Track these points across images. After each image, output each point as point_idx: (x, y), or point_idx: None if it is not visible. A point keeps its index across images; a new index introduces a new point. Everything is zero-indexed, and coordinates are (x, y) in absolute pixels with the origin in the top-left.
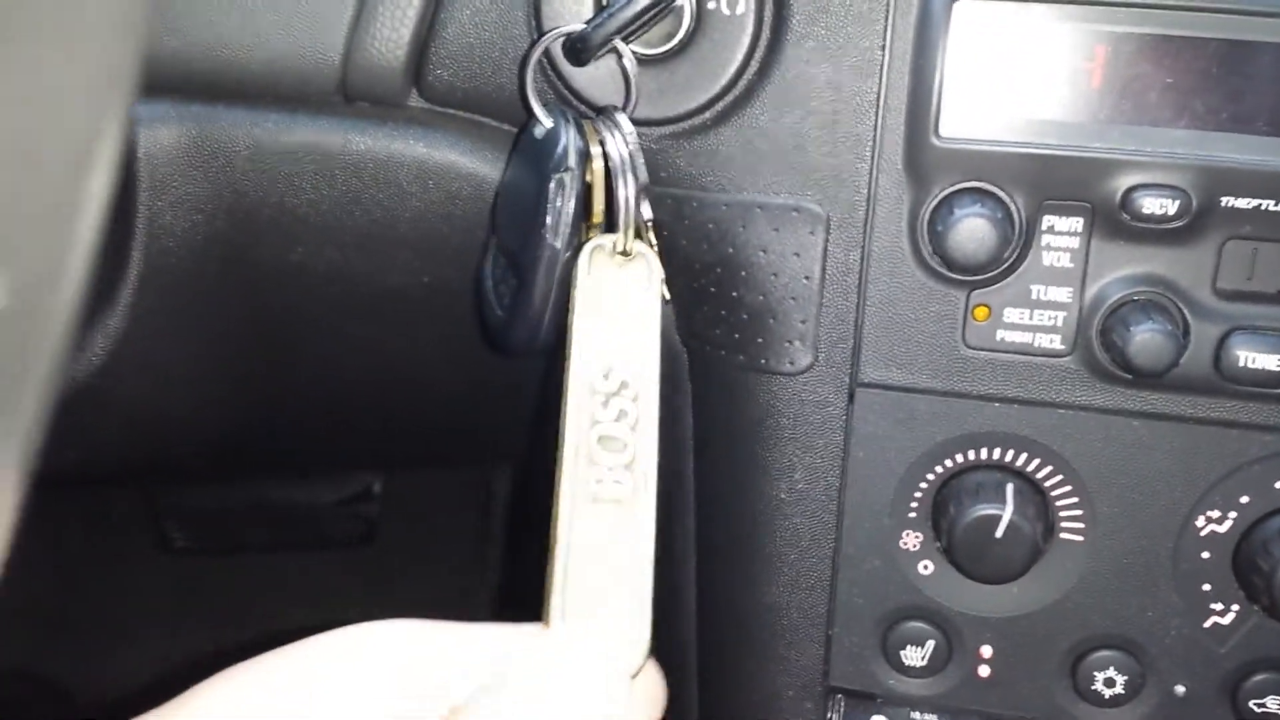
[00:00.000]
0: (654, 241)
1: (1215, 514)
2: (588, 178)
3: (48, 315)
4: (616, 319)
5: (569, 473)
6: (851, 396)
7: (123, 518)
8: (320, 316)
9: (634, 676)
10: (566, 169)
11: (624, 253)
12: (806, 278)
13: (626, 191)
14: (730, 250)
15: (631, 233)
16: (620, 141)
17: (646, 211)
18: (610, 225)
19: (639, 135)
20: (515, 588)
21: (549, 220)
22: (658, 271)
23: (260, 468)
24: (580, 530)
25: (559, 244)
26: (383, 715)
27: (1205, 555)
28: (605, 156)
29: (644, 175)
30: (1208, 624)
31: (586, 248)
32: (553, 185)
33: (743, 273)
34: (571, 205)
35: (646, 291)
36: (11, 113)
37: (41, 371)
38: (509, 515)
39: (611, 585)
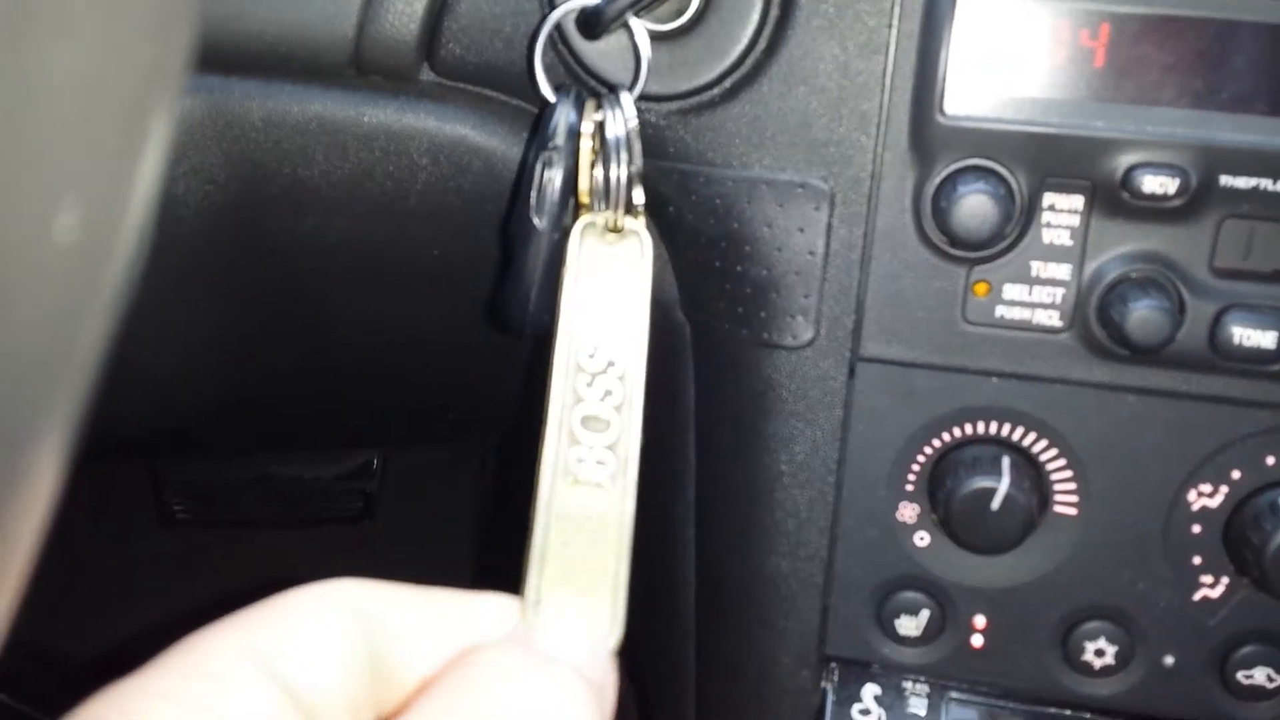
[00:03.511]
0: (646, 223)
1: (1207, 488)
2: (581, 155)
3: (116, 254)
4: (605, 296)
5: (550, 450)
6: (852, 370)
7: (125, 491)
8: (330, 287)
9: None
10: (554, 146)
11: (615, 230)
12: (810, 253)
13: (618, 171)
14: (735, 225)
15: (622, 210)
16: (619, 122)
17: (639, 196)
18: (605, 204)
19: (648, 110)
20: (493, 562)
21: (533, 197)
22: (649, 247)
23: (266, 440)
24: (559, 512)
25: (541, 221)
26: (331, 678)
27: (1196, 529)
28: (602, 135)
29: (639, 159)
30: (1197, 596)
31: (578, 225)
32: (540, 162)
33: (747, 247)
34: (558, 183)
35: (637, 269)
36: (90, 39)
37: (104, 318)
38: (492, 490)
39: (587, 573)
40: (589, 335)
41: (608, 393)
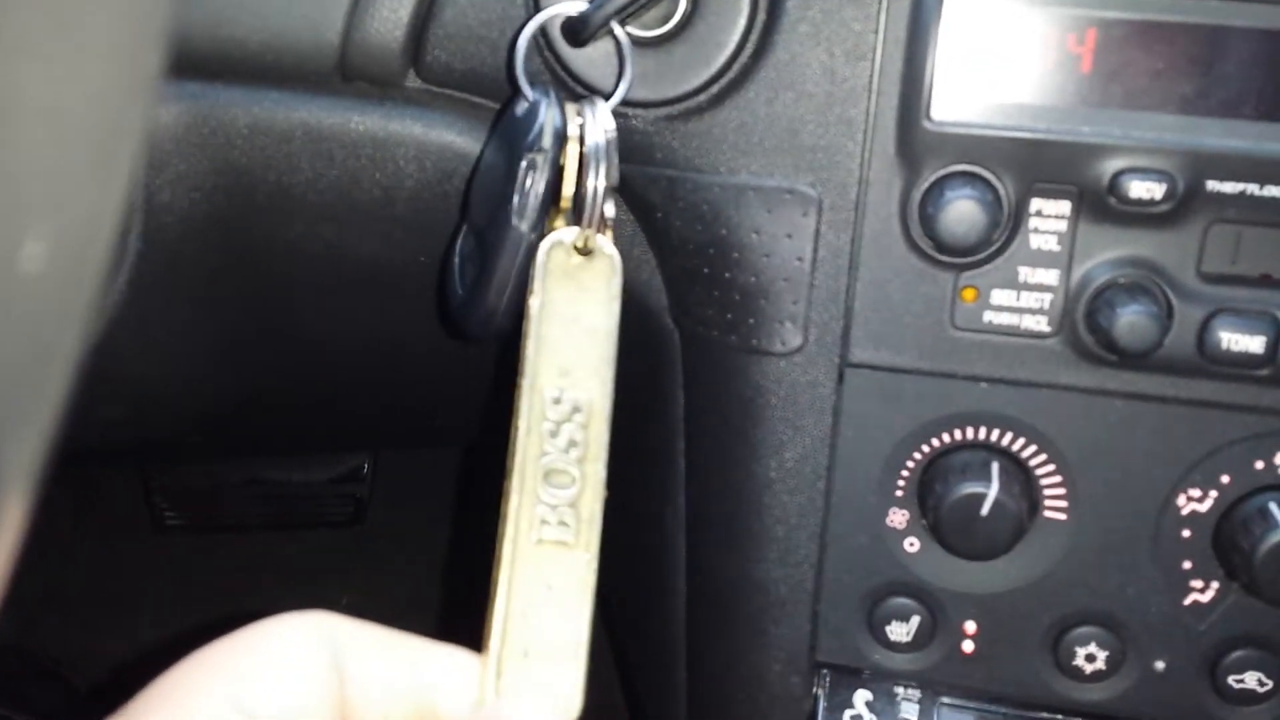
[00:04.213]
0: (630, 232)
1: (1196, 493)
2: (562, 161)
3: (81, 282)
4: (572, 330)
5: (514, 507)
6: (841, 376)
7: (114, 496)
8: (317, 294)
9: None
10: (540, 150)
11: (585, 250)
12: (798, 259)
13: (595, 183)
14: (723, 231)
15: (594, 229)
16: (597, 130)
17: (610, 210)
18: (578, 215)
19: (635, 116)
20: (461, 580)
21: (516, 201)
22: (619, 274)
23: (254, 446)
24: (521, 574)
25: (524, 227)
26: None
27: (1186, 534)
28: (582, 143)
29: (615, 172)
30: (1187, 601)
31: (545, 242)
32: (524, 165)
33: (735, 254)
34: (541, 188)
35: (605, 300)
36: (54, 68)
37: (70, 345)
38: (459, 498)
39: (550, 641)
40: (554, 378)
41: (572, 443)
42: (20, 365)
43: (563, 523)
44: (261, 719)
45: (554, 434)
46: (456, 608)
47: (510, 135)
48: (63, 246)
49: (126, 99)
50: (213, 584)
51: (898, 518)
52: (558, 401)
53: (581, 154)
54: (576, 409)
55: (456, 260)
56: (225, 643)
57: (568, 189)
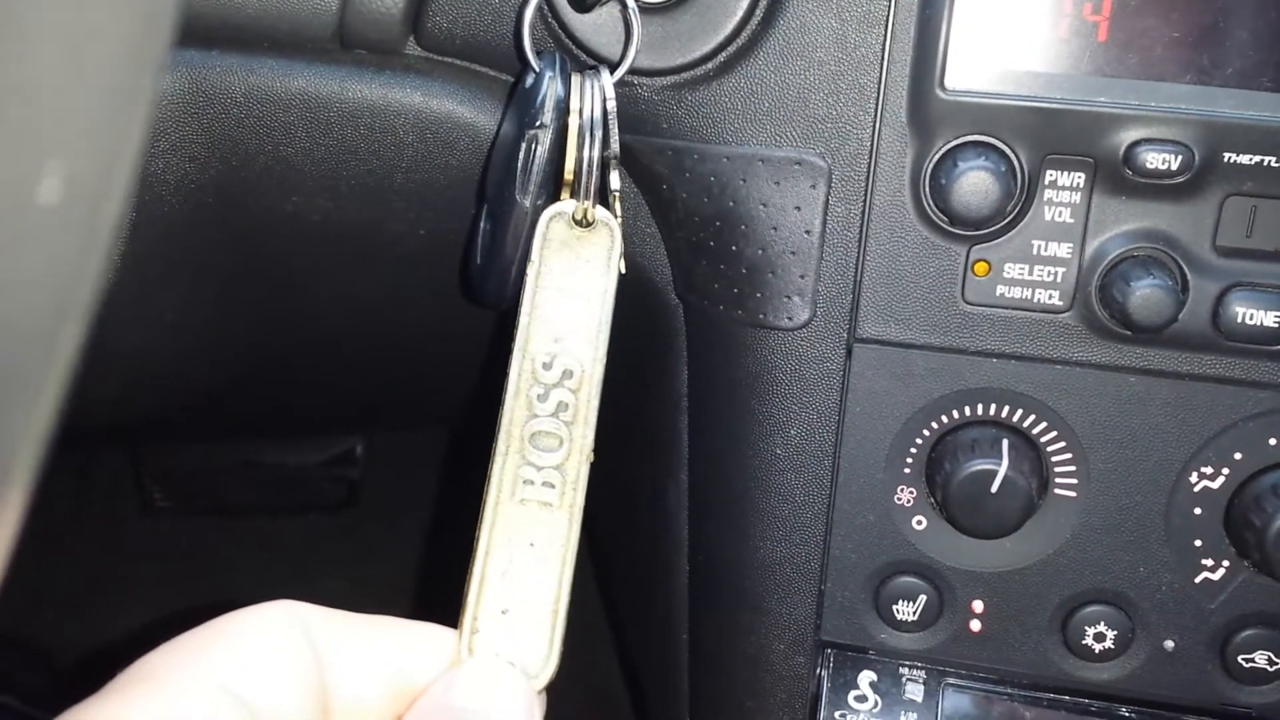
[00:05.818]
0: (619, 212)
1: (1209, 470)
2: (574, 132)
3: (97, 216)
4: (568, 299)
5: (498, 467)
6: (849, 352)
7: (105, 478)
8: (315, 267)
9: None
10: (541, 125)
11: (584, 222)
12: (807, 231)
13: (589, 154)
14: (730, 203)
15: (592, 200)
16: (594, 101)
17: (615, 181)
18: (578, 187)
19: (641, 85)
20: (452, 561)
21: (518, 176)
22: (618, 245)
23: (248, 425)
24: (502, 534)
25: (526, 201)
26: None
27: (1198, 511)
28: (581, 115)
29: (615, 142)
30: (1198, 579)
31: (545, 214)
32: (525, 140)
33: (742, 226)
34: (542, 163)
35: (603, 269)
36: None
37: (87, 276)
38: (451, 480)
39: (527, 600)
40: (547, 344)
41: (561, 405)
42: (37, 299)
43: (547, 484)
44: (250, 703)
45: (543, 398)
46: (446, 588)
47: (520, 107)
48: (80, 180)
49: (146, 32)
50: (203, 566)
51: (905, 495)
52: (548, 366)
53: (580, 126)
54: (568, 373)
55: (481, 229)
56: (204, 630)
57: (570, 161)
